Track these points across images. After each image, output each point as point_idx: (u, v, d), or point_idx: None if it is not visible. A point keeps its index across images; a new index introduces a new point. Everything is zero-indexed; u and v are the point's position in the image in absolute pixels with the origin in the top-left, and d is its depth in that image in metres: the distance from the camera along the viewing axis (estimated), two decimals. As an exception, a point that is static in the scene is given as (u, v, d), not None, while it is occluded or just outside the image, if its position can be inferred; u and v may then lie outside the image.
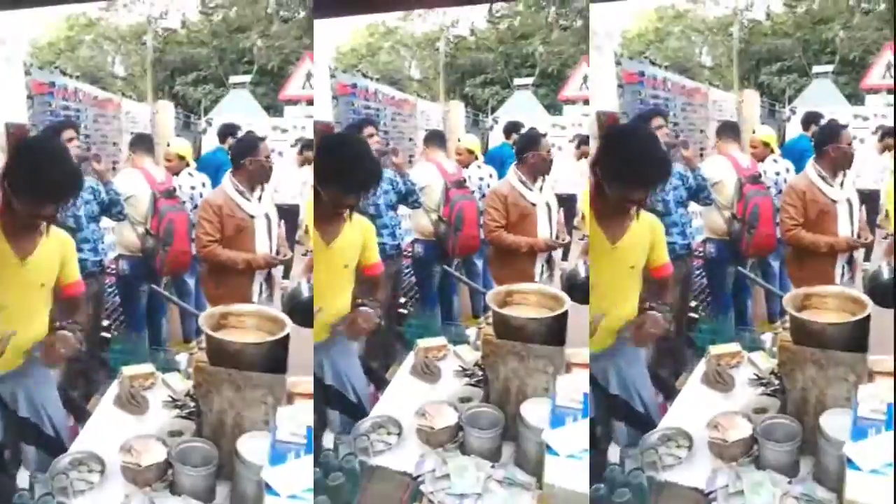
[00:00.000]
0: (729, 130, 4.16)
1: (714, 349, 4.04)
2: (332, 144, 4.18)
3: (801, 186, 4.03)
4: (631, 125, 4.07)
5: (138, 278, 4.08)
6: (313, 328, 3.91)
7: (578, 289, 4.05)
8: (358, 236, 4.10)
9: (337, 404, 4.05)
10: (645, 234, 3.98)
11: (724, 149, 4.16)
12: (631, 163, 3.91)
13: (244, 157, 3.99)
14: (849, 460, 3.51)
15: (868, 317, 3.78)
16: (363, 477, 3.85)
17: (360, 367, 4.11)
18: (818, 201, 4.02)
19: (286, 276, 4.04)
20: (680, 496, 3.70)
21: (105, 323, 4.06)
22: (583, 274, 4.08)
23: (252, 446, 3.67)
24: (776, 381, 3.90)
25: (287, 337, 3.79)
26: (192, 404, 3.90)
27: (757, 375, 3.98)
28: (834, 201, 4.01)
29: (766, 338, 4.07)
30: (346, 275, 4.09)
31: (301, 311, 3.94)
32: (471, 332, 4.25)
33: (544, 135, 4.20)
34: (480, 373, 4.09)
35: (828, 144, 3.98)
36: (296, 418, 3.64)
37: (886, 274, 3.89)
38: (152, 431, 3.87)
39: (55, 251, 3.82)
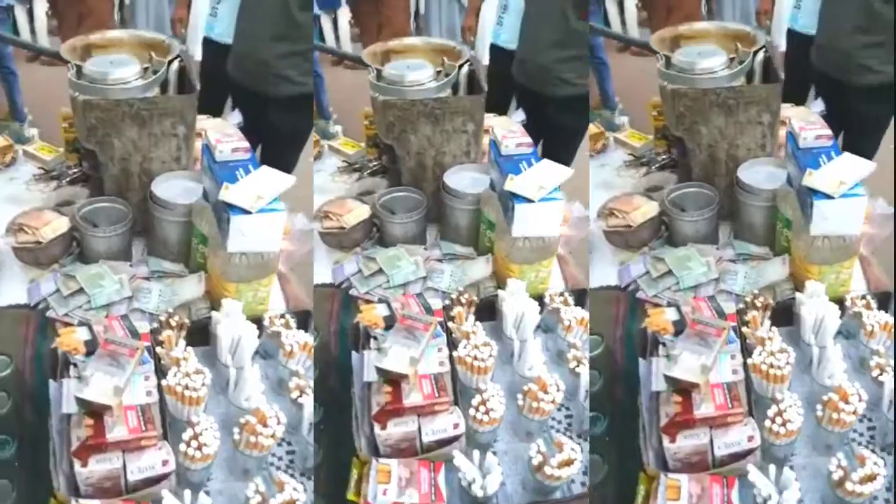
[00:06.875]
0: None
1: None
2: None
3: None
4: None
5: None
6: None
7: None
8: None
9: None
10: None
11: None
12: None
13: None
14: (813, 192, 3.12)
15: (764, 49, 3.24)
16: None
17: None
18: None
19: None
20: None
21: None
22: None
23: (169, 187, 3.21)
24: (661, 156, 3.36)
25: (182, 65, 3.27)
26: (75, 169, 3.40)
27: (633, 155, 3.40)
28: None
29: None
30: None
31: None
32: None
33: None
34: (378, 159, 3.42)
35: None
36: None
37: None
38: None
39: None
